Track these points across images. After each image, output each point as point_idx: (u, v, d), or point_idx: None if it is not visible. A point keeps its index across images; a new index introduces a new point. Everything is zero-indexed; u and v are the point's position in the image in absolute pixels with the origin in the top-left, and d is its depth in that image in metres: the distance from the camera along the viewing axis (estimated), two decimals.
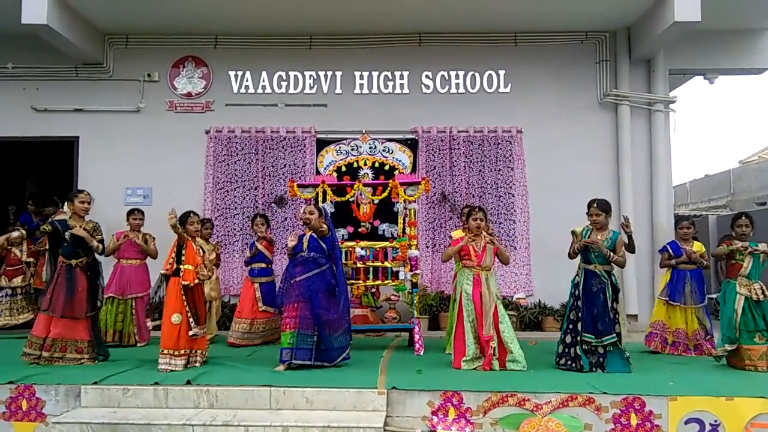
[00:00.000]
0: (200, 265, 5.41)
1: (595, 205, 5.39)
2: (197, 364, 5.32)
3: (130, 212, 6.80)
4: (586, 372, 5.13)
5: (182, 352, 5.20)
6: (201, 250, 5.55)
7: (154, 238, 6.84)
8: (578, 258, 5.50)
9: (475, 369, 5.27)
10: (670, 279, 6.41)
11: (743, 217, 5.61)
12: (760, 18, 8.41)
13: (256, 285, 6.77)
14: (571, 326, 5.37)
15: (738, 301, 5.45)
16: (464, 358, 5.34)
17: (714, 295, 10.53)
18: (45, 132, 8.54)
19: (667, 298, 6.37)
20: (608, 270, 5.34)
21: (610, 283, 5.29)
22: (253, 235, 7.02)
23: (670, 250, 6.48)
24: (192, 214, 5.59)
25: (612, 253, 5.30)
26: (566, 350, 5.35)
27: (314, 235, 5.39)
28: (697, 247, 6.43)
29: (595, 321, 5.23)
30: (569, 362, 5.29)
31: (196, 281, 5.35)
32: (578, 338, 5.27)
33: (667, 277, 6.50)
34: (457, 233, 6.31)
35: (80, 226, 5.53)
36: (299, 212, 5.59)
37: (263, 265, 6.88)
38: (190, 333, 5.22)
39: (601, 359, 5.21)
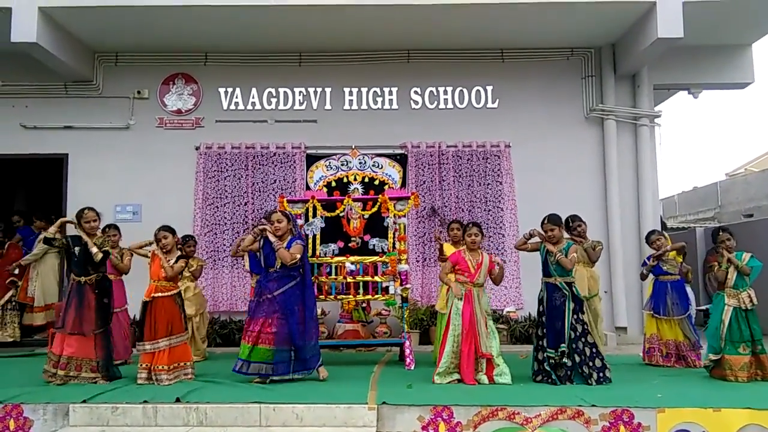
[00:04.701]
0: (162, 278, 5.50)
1: (547, 221, 5.55)
2: (186, 378, 5.35)
3: (103, 230, 6.36)
4: (559, 386, 5.18)
5: (144, 365, 5.33)
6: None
7: (131, 255, 6.46)
8: (541, 273, 5.62)
9: (448, 383, 5.26)
10: (653, 292, 6.51)
11: (723, 232, 5.74)
12: (742, 33, 8.55)
13: None
14: (540, 343, 5.44)
15: (726, 312, 5.53)
16: (437, 371, 5.36)
17: (703, 307, 10.62)
18: (34, 149, 8.52)
19: (652, 312, 6.44)
20: (569, 282, 5.45)
21: (572, 295, 5.40)
22: None
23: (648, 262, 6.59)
24: (160, 230, 5.65)
25: (560, 254, 5.37)
26: (540, 367, 5.41)
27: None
28: (672, 255, 6.53)
29: (558, 335, 5.32)
30: (545, 378, 5.34)
31: (153, 296, 5.44)
32: (545, 354, 5.35)
33: (649, 290, 6.58)
34: (448, 248, 6.34)
35: (92, 242, 5.53)
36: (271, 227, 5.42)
37: None
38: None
39: (568, 372, 5.27)
